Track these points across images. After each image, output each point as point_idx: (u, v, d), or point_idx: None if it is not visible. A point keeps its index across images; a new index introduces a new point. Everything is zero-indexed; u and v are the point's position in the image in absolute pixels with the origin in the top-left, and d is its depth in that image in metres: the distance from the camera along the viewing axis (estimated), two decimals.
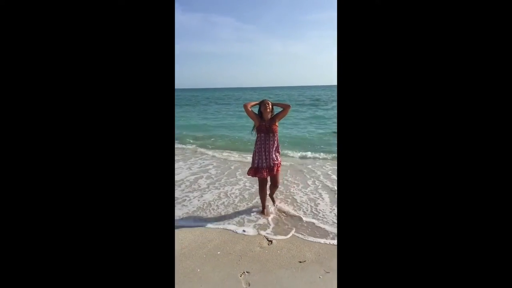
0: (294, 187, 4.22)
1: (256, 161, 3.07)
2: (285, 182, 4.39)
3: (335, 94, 37.02)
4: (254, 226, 2.97)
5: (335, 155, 5.95)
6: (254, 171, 3.06)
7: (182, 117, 15.18)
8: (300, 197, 3.83)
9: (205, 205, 3.59)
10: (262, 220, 3.11)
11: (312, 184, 4.31)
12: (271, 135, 3.02)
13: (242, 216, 3.24)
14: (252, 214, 3.28)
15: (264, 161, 3.03)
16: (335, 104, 20.84)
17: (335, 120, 12.21)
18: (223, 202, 3.67)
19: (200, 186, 4.32)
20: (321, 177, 4.61)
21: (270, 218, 3.16)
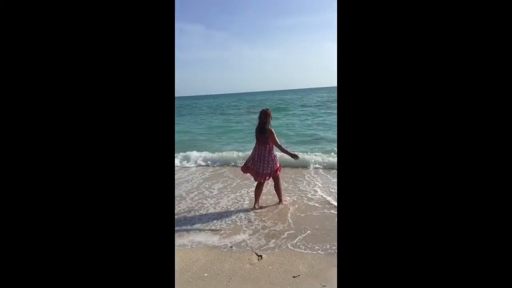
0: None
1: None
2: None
3: (301, 97, 37.20)
4: (268, 234, 2.83)
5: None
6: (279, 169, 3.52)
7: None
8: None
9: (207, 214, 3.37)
10: (279, 226, 3.07)
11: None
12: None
13: (255, 224, 3.10)
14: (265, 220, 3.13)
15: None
16: (302, 108, 20.51)
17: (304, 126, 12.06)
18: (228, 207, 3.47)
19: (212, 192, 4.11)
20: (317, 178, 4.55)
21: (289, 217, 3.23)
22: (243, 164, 3.61)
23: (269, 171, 3.39)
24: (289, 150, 3.52)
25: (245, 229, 3.08)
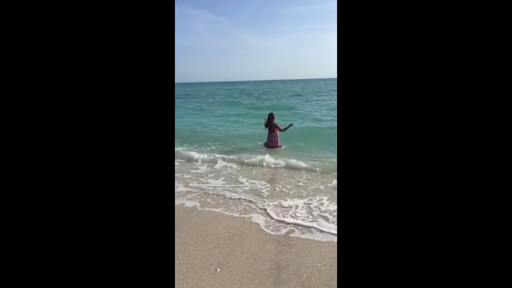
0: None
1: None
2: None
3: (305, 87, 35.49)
4: None
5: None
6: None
7: None
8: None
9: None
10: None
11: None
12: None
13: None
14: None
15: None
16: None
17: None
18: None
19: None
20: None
21: None
22: (264, 144, 6.54)
23: (274, 145, 6.35)
24: (286, 127, 6.41)
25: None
